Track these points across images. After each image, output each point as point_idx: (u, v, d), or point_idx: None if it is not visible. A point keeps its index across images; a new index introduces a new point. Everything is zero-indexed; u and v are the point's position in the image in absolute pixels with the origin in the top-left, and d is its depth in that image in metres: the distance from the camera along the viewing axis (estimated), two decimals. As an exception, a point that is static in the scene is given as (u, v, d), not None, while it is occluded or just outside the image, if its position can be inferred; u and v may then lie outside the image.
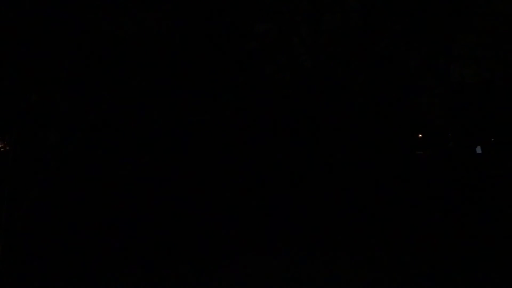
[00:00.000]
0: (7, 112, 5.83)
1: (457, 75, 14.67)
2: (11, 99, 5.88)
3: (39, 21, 6.17)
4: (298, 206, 9.53)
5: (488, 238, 7.23)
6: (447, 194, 11.16)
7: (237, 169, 10.26)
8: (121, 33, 8.71)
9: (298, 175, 11.03)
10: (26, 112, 5.84)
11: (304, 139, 11.74)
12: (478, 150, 17.32)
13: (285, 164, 11.20)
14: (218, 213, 8.64)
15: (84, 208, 7.55)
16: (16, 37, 6.00)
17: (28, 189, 5.46)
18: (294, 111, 11.97)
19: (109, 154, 8.75)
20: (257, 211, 9.08)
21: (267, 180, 10.48)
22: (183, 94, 9.88)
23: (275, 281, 5.18)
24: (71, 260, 5.97)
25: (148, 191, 8.61)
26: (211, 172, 9.77)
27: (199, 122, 10.18)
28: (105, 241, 6.80)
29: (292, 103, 12.10)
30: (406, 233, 7.72)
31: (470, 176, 13.11)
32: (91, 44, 7.45)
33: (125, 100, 8.65)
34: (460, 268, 5.68)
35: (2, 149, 6.69)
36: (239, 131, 10.79)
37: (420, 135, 17.64)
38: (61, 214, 7.20)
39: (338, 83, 12.66)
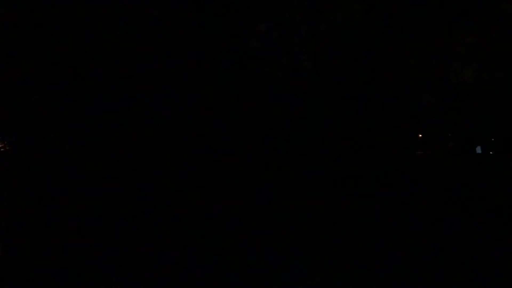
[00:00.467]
0: (7, 112, 5.83)
1: (457, 75, 14.64)
2: (11, 99, 5.88)
3: (39, 22, 6.17)
4: (297, 206, 9.52)
5: (488, 238, 7.22)
6: (447, 194, 11.16)
7: (237, 169, 10.26)
8: (120, 33, 8.70)
9: (297, 174, 11.02)
10: (26, 112, 5.84)
11: (304, 139, 11.73)
12: (478, 150, 17.30)
13: (285, 164, 11.19)
14: (217, 213, 8.63)
15: (84, 208, 7.55)
16: (16, 37, 6.00)
17: (28, 189, 5.46)
18: (294, 111, 11.97)
19: (108, 154, 8.74)
20: (255, 210, 9.07)
21: (266, 180, 10.47)
22: (183, 94, 9.87)
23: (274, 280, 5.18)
24: (71, 260, 5.97)
25: (147, 191, 8.61)
26: (210, 172, 9.77)
27: (198, 121, 10.17)
28: (105, 240, 6.80)
29: (292, 103, 12.10)
30: (406, 233, 7.71)
31: (470, 176, 13.10)
32: (90, 44, 7.45)
33: (125, 100, 8.64)
34: (460, 269, 5.67)
35: (2, 149, 6.69)
36: (238, 131, 10.79)
37: (420, 135, 17.63)
38: (61, 213, 7.19)
39: (337, 83, 12.66)
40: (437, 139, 16.29)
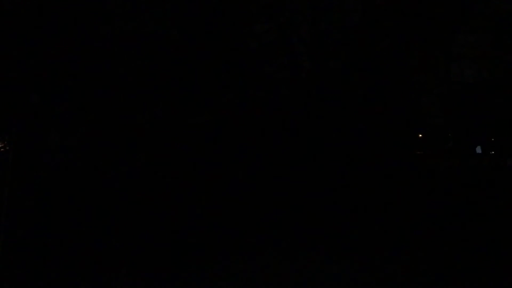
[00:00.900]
0: (7, 112, 5.83)
1: (457, 75, 14.64)
2: (11, 99, 5.88)
3: (39, 22, 6.17)
4: (297, 206, 9.52)
5: (487, 238, 7.22)
6: (447, 194, 11.15)
7: (236, 169, 10.26)
8: (120, 33, 8.71)
9: (297, 174, 11.02)
10: (26, 112, 5.84)
11: (304, 139, 11.73)
12: (478, 150, 17.30)
13: (284, 164, 11.19)
14: (216, 213, 8.63)
15: (84, 207, 7.55)
16: (16, 37, 6.00)
17: (28, 189, 5.46)
18: (293, 111, 11.97)
19: (108, 154, 8.74)
20: (254, 210, 9.07)
21: (266, 180, 10.47)
22: (182, 94, 9.88)
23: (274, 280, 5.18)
24: (71, 260, 5.97)
25: (147, 191, 8.61)
26: (209, 172, 9.77)
27: (198, 122, 10.17)
28: (104, 241, 6.80)
29: (292, 103, 12.10)
30: (406, 233, 7.71)
31: (469, 176, 13.10)
32: (90, 44, 7.46)
33: (125, 100, 8.64)
34: (460, 269, 5.67)
35: (2, 149, 6.69)
36: (237, 132, 10.79)
37: (420, 135, 17.64)
38: (61, 213, 7.19)
39: (337, 83, 12.66)
40: (437, 139, 16.30)
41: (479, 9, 13.08)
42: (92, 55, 7.89)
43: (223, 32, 10.96)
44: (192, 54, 10.22)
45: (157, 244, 6.80)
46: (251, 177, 10.43)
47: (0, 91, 6.20)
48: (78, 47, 7.03)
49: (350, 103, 12.46)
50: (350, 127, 12.22)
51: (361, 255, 6.27)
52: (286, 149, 11.55)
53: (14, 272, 5.12)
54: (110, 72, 8.46)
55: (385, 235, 7.51)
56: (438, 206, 10.01)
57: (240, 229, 7.86)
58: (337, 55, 13.09)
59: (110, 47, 8.64)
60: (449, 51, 13.63)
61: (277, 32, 12.47)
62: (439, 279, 5.23)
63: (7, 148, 6.22)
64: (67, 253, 6.16)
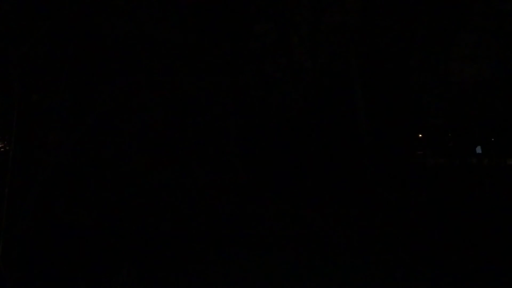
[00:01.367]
0: (7, 112, 5.83)
1: (457, 75, 14.66)
2: (11, 99, 5.89)
3: (39, 22, 6.17)
4: (296, 206, 9.52)
5: (487, 238, 7.22)
6: (447, 193, 11.16)
7: (236, 168, 10.27)
8: (120, 34, 8.71)
9: (297, 174, 11.03)
10: (26, 112, 5.85)
11: (303, 139, 11.74)
12: (478, 150, 17.32)
13: (284, 164, 11.21)
14: (215, 213, 8.64)
15: (84, 207, 7.55)
16: (16, 37, 6.00)
17: (28, 189, 5.46)
18: (293, 111, 11.98)
19: (108, 154, 8.75)
20: (254, 210, 9.07)
21: (266, 180, 10.49)
22: (182, 94, 9.88)
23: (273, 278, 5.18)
24: (71, 260, 5.97)
25: (147, 191, 8.62)
26: (209, 172, 9.78)
27: (198, 122, 10.18)
28: (104, 241, 6.80)
29: (292, 103, 12.11)
30: (406, 233, 7.72)
31: (469, 176, 13.11)
32: (90, 44, 7.46)
33: (125, 100, 8.65)
34: (460, 269, 5.67)
35: (2, 149, 6.69)
36: (238, 132, 10.80)
37: (420, 135, 17.64)
38: (61, 213, 7.20)
39: (337, 83, 12.68)
40: (437, 139, 16.32)
41: (479, 9, 13.10)
42: (92, 55, 7.90)
43: (224, 32, 10.97)
44: (193, 54, 10.23)
45: (157, 244, 6.80)
46: (251, 177, 10.44)
47: (0, 91, 6.21)
48: (78, 47, 7.04)
49: (349, 103, 12.47)
50: (350, 127, 12.23)
51: (361, 255, 6.28)
52: (286, 148, 11.56)
53: (14, 272, 5.13)
54: (110, 72, 8.48)
55: (385, 235, 7.51)
56: (438, 205, 10.02)
57: (239, 230, 7.86)
58: (337, 55, 13.11)
59: (111, 47, 8.65)
60: (449, 51, 13.64)
61: (277, 32, 12.48)
62: (439, 279, 5.23)
63: (7, 148, 6.23)
64: (67, 253, 6.17)
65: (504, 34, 13.25)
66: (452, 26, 13.22)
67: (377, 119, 12.35)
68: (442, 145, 16.16)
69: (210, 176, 9.77)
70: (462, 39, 13.52)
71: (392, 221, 8.70)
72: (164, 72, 9.46)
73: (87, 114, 6.94)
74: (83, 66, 7.56)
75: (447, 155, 15.27)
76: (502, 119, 16.35)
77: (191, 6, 10.49)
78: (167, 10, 9.94)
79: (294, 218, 8.80)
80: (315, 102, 12.04)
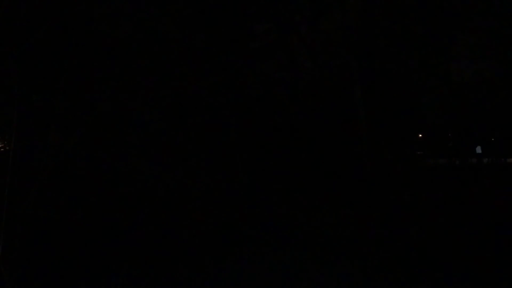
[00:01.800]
0: (7, 112, 5.83)
1: (457, 75, 14.63)
2: (11, 99, 5.89)
3: (38, 22, 6.17)
4: (296, 206, 9.52)
5: (487, 238, 7.22)
6: (447, 193, 11.15)
7: (235, 168, 10.26)
8: (120, 33, 8.71)
9: (296, 174, 11.03)
10: (26, 112, 5.85)
11: (303, 139, 11.74)
12: (478, 150, 17.30)
13: (284, 164, 11.20)
14: (215, 211, 8.64)
15: (84, 207, 7.55)
16: (16, 36, 6.00)
17: (28, 189, 5.46)
18: (293, 111, 11.98)
19: (108, 154, 8.75)
20: (254, 210, 9.08)
21: (266, 179, 10.48)
22: (182, 94, 9.89)
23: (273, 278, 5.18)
24: (71, 260, 5.97)
25: (147, 191, 8.62)
26: (208, 172, 9.78)
27: (198, 122, 10.19)
28: (104, 241, 6.80)
29: (292, 103, 12.11)
30: (405, 232, 7.72)
31: (469, 176, 13.10)
32: (90, 44, 7.46)
33: (125, 100, 8.65)
34: (460, 269, 5.67)
35: (2, 149, 6.69)
36: (238, 132, 10.80)
37: (420, 135, 17.63)
38: (61, 213, 7.19)
39: (337, 83, 12.67)
40: (437, 139, 16.30)
41: (479, 9, 13.09)
42: (92, 55, 7.90)
43: (223, 32, 10.96)
44: (193, 54, 10.23)
45: (157, 244, 6.81)
46: (251, 177, 10.44)
47: (0, 91, 6.21)
48: (78, 47, 7.03)
49: (349, 103, 12.47)
50: (350, 127, 12.23)
51: (360, 254, 6.28)
52: (286, 148, 11.56)
53: (14, 272, 5.13)
54: (110, 72, 8.48)
55: (385, 235, 7.51)
56: (438, 205, 10.01)
57: (239, 230, 7.86)
58: (337, 55, 13.10)
59: (110, 46, 8.64)
60: (449, 51, 13.63)
61: (277, 32, 12.48)
62: (439, 279, 5.23)
63: (7, 148, 6.23)
64: (67, 253, 6.17)
65: (504, 34, 13.24)
66: (452, 26, 13.21)
67: (376, 119, 12.34)
68: (442, 145, 16.14)
69: (210, 176, 9.77)
70: (462, 39, 13.51)
71: (392, 221, 8.70)
72: (164, 72, 9.47)
73: (87, 114, 6.94)
74: (83, 66, 7.56)
75: (447, 155, 15.25)
76: (502, 119, 16.33)
77: (191, 6, 10.49)
78: (167, 10, 9.94)
79: (294, 218, 8.80)
80: (315, 102, 12.04)
